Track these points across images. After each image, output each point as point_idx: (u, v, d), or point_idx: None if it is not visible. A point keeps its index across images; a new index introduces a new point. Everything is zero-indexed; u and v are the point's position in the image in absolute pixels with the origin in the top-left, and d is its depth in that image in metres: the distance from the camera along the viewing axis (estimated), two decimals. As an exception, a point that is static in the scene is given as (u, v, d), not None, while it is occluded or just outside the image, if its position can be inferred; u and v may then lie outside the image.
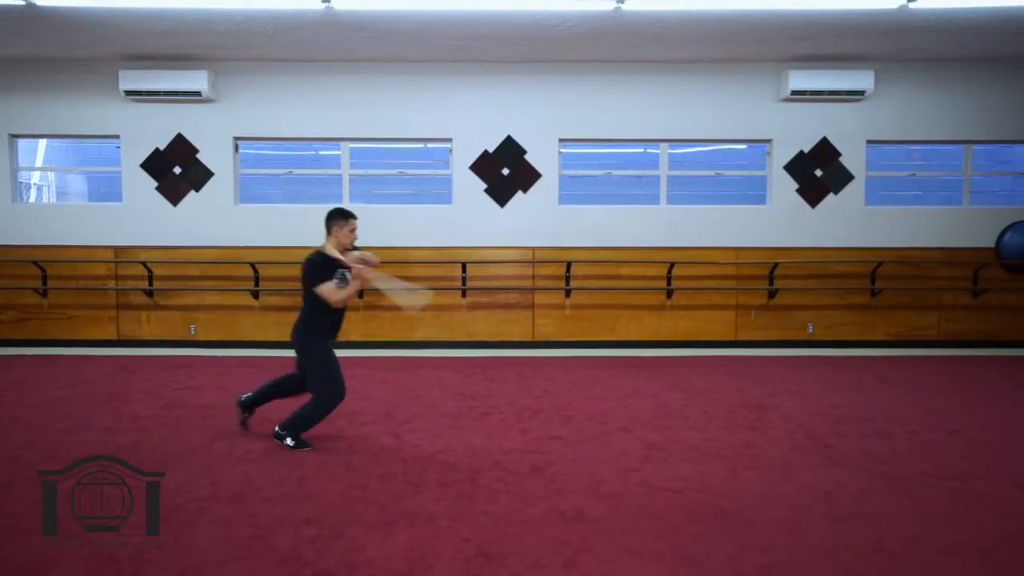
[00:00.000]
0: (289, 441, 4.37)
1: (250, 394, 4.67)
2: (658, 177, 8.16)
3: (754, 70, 7.87)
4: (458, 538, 3.14)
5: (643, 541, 3.12)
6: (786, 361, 7.40)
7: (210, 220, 7.94)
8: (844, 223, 8.00)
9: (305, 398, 4.49)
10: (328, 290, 4.21)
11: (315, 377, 4.37)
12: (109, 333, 7.99)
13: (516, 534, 3.19)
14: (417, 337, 7.99)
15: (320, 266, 4.26)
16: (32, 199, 10.39)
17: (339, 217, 4.34)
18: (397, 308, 7.95)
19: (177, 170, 7.92)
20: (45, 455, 4.26)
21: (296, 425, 4.38)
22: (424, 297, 5.38)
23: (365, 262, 4.31)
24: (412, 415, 5.23)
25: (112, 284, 7.94)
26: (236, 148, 8.04)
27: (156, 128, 7.87)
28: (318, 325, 4.35)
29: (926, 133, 8.02)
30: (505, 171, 7.97)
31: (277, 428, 4.44)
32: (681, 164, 8.65)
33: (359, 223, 4.49)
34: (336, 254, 4.31)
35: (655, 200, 8.18)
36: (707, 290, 7.94)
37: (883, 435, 4.73)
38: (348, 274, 4.28)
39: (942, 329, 8.09)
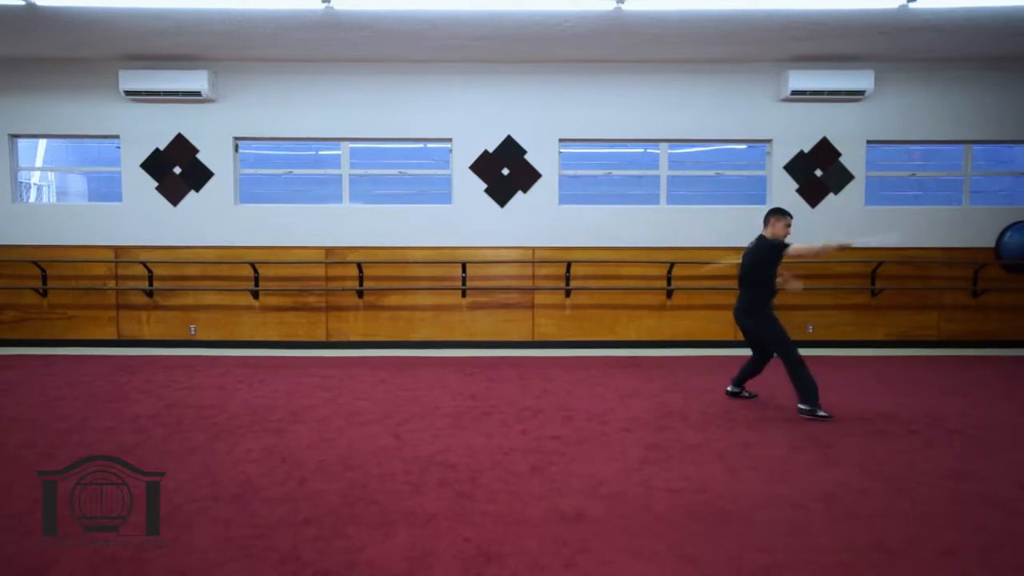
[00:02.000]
0: (820, 412, 5.09)
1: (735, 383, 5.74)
2: (658, 177, 8.16)
3: (754, 70, 7.87)
4: (458, 538, 3.14)
5: (643, 541, 3.12)
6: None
7: (210, 220, 7.94)
8: (844, 223, 7.99)
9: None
10: (802, 247, 5.21)
11: (778, 344, 5.25)
12: (109, 333, 7.99)
13: (516, 534, 3.18)
14: (417, 337, 7.99)
15: (776, 245, 5.27)
16: (32, 199, 10.39)
17: (779, 214, 5.39)
18: (397, 308, 7.97)
19: (177, 170, 7.92)
20: (45, 455, 4.26)
21: (806, 395, 5.11)
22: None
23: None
24: (412, 415, 5.23)
25: (112, 284, 7.94)
26: (236, 148, 8.04)
27: (156, 128, 7.87)
28: (767, 297, 5.35)
29: (926, 133, 8.02)
30: (505, 171, 7.97)
31: (801, 406, 5.16)
32: (681, 164, 8.65)
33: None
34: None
35: (655, 200, 8.18)
36: (707, 290, 7.94)
37: (883, 435, 4.73)
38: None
39: (942, 329, 8.09)
